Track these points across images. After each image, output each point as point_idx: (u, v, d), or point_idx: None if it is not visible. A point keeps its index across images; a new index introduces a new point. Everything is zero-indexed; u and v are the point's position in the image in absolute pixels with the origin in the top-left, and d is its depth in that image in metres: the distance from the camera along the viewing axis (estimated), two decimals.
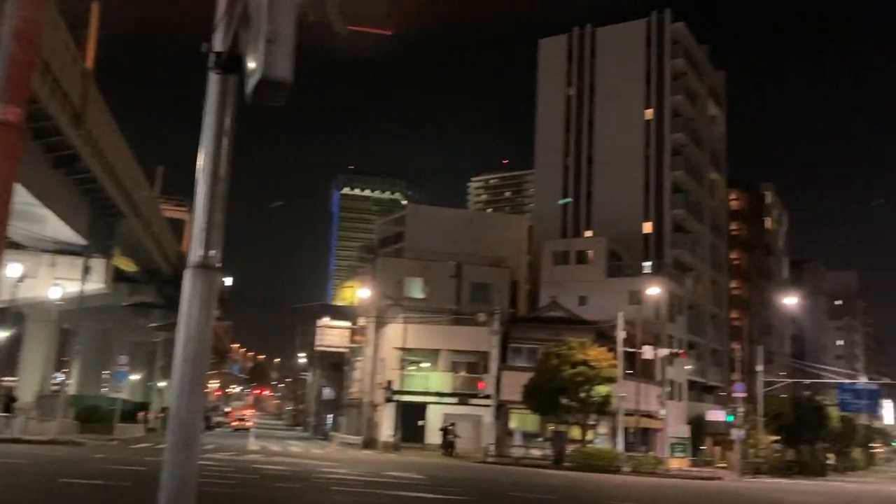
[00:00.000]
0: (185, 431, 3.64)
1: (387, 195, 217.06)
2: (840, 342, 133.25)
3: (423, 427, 43.73)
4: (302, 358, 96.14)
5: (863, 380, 63.36)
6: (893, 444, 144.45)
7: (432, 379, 44.91)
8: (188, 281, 3.75)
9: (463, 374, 44.81)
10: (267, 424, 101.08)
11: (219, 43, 3.81)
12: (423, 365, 45.65)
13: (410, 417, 43.37)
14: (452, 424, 40.82)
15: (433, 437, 43.13)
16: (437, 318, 45.78)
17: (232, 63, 3.76)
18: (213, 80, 3.86)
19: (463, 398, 43.48)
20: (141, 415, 44.51)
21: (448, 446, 39.73)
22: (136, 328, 55.56)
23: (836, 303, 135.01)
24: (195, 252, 3.78)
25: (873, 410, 74.30)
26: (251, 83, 3.38)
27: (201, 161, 3.88)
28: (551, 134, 65.16)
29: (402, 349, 44.84)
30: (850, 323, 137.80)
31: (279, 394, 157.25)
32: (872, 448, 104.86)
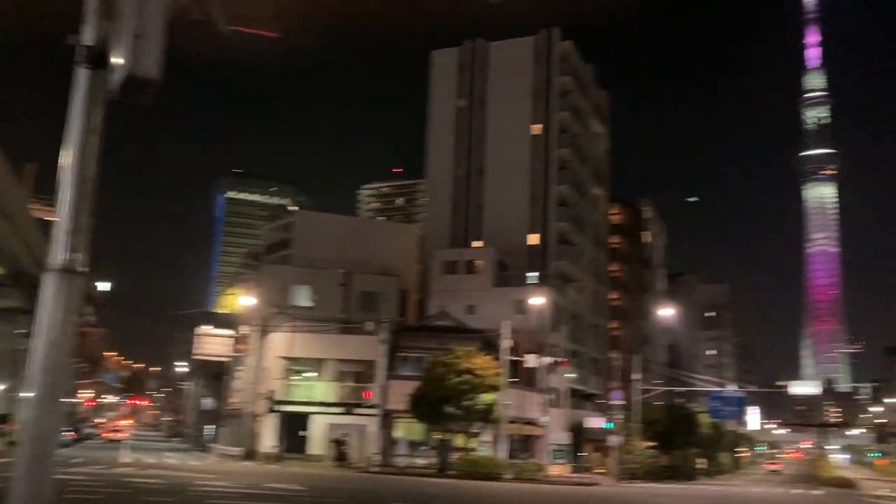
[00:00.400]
0: (40, 444, 3.44)
1: (275, 200, 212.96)
2: (711, 352, 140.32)
3: (305, 437, 43.01)
4: (181, 367, 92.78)
5: (731, 388, 67.01)
6: (757, 448, 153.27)
7: (317, 388, 44.25)
8: (49, 286, 3.55)
9: (349, 383, 44.38)
10: (143, 436, 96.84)
11: (88, 36, 3.64)
12: (307, 374, 44.93)
13: (293, 428, 42.58)
14: (346, 435, 40.38)
15: (316, 447, 42.53)
16: (323, 326, 45.23)
17: (102, 57, 3.59)
18: (82, 74, 3.68)
19: (348, 408, 43.05)
20: (1, 427, 41.73)
21: (341, 457, 39.27)
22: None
23: (708, 314, 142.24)
24: (57, 255, 3.59)
25: (739, 417, 78.71)
26: (117, 79, 3.24)
27: (66, 159, 3.69)
28: (443, 144, 65.79)
29: (287, 358, 44.00)
30: (721, 333, 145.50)
31: (157, 404, 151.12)
32: (738, 452, 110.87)
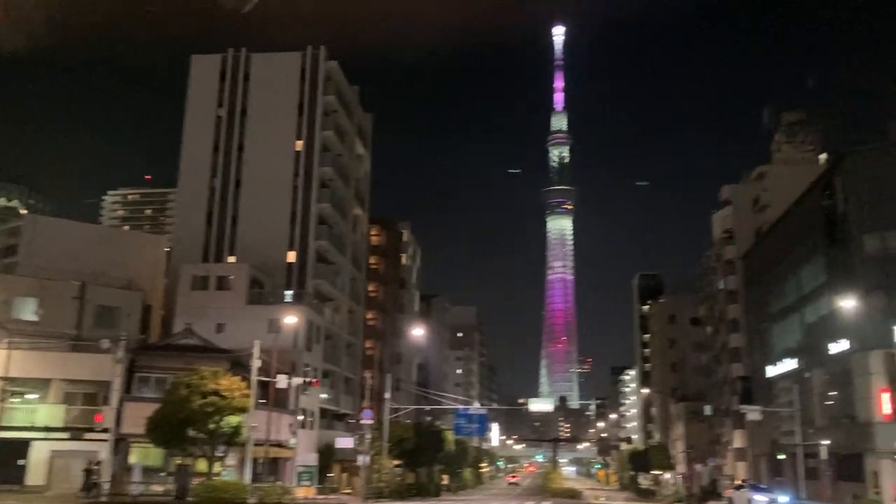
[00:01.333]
0: None
1: (1, 202, 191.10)
2: (459, 371, 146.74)
3: (24, 467, 38.54)
4: None
5: (475, 406, 70.16)
6: (498, 463, 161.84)
7: (40, 412, 39.88)
8: None
9: (79, 405, 40.50)
10: None
11: None
12: (29, 396, 40.36)
13: (9, 456, 38.01)
14: (97, 464, 36.52)
15: (36, 476, 38.31)
16: (51, 343, 40.95)
17: None
18: None
19: (76, 433, 39.26)
20: None
21: (91, 488, 35.42)
22: None
23: (458, 335, 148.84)
24: None
25: (483, 433, 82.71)
26: None
27: None
28: (199, 153, 62.79)
29: (4, 379, 39.25)
30: (469, 354, 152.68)
31: None
32: (481, 467, 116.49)
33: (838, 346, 48.01)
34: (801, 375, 55.44)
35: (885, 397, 43.72)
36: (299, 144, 62.23)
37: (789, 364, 57.38)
